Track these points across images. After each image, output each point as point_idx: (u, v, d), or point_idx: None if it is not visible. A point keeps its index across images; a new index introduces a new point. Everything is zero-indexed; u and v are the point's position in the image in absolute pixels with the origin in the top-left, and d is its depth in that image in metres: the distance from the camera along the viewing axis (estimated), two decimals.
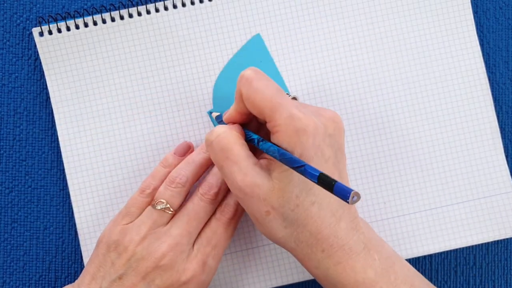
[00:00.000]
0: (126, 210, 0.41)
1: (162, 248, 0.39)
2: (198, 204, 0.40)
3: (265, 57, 0.44)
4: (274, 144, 0.36)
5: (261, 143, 0.37)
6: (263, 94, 0.35)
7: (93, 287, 0.39)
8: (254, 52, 0.44)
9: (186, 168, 0.41)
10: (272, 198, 0.36)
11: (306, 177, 0.32)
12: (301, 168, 0.33)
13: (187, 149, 0.43)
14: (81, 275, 0.40)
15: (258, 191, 0.36)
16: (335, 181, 0.30)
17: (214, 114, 0.43)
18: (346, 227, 0.37)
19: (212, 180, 0.40)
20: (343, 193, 0.30)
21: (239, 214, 0.41)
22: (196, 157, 0.41)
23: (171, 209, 0.39)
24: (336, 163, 0.37)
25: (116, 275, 0.38)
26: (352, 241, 0.37)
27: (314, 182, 0.32)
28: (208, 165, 0.41)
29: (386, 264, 0.38)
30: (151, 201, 0.40)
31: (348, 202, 0.29)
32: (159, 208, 0.39)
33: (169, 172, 0.41)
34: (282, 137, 0.35)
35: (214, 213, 0.41)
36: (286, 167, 0.35)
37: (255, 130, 0.40)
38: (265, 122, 0.37)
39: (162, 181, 0.41)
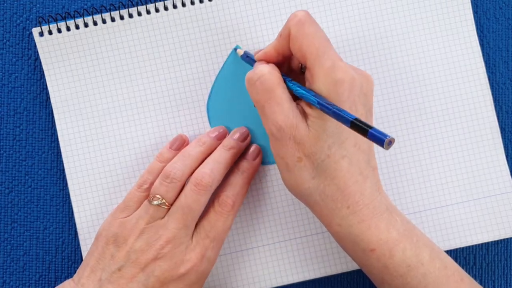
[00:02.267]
0: (124, 204, 0.41)
1: (160, 240, 0.39)
2: (191, 197, 0.39)
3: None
4: (308, 88, 0.36)
5: (293, 85, 0.37)
6: (312, 40, 0.36)
7: (93, 279, 0.39)
8: (238, 66, 0.44)
9: (181, 162, 0.40)
10: (306, 144, 0.36)
11: (340, 120, 0.33)
12: (335, 111, 0.33)
13: (182, 143, 0.43)
14: (80, 268, 0.40)
15: (296, 133, 0.36)
16: (371, 126, 0.31)
17: (240, 51, 0.43)
18: (371, 186, 0.37)
19: (205, 169, 0.40)
20: (379, 138, 0.30)
21: (238, 205, 0.41)
22: (192, 151, 0.41)
23: (167, 204, 0.40)
24: (366, 121, 0.37)
25: (115, 267, 0.39)
26: (376, 201, 0.37)
27: (348, 125, 0.32)
28: (203, 158, 0.41)
29: (408, 226, 0.38)
30: (148, 196, 0.40)
31: (383, 147, 0.30)
32: (155, 203, 0.39)
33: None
34: (321, 83, 0.35)
35: (212, 203, 0.41)
36: (320, 115, 0.36)
37: (288, 75, 0.40)
38: (300, 69, 0.38)
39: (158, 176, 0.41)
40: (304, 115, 0.37)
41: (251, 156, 0.43)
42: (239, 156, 0.43)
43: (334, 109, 0.33)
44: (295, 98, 0.38)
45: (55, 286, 0.45)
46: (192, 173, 0.41)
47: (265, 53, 0.39)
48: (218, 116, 0.44)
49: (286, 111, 0.36)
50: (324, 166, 0.36)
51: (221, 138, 0.43)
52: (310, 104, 0.36)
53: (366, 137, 0.31)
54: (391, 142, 0.30)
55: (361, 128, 0.31)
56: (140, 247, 0.39)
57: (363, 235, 0.37)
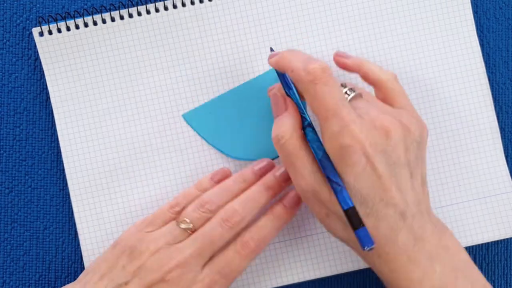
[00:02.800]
0: (153, 219, 0.41)
1: (171, 263, 0.38)
2: (216, 230, 0.39)
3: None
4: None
5: (309, 132, 0.37)
6: (322, 101, 0.35)
7: (99, 287, 0.39)
8: (270, 82, 0.44)
9: (219, 196, 0.40)
10: (330, 204, 0.36)
11: (337, 199, 0.33)
12: (336, 187, 0.34)
13: (225, 177, 0.42)
14: (89, 271, 0.40)
15: (318, 195, 0.37)
16: (361, 225, 0.31)
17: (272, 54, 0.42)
18: (406, 237, 0.35)
19: (237, 206, 0.39)
20: (363, 240, 0.31)
21: (260, 250, 0.40)
22: (233, 186, 0.41)
23: (192, 229, 0.39)
24: (395, 174, 0.36)
25: (123, 280, 0.38)
26: (412, 251, 0.35)
27: (343, 210, 0.32)
28: (240, 194, 0.41)
29: (448, 277, 0.36)
30: (176, 217, 0.40)
31: (363, 249, 0.30)
32: (183, 226, 0.39)
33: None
34: (327, 148, 0.36)
35: (234, 239, 0.40)
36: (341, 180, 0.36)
37: None
38: None
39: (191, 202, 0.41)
40: None
41: (288, 203, 0.41)
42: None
43: (334, 184, 0.34)
44: None
45: (55, 286, 0.45)
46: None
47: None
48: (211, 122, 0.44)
49: (307, 177, 0.37)
50: None
51: (264, 174, 0.41)
52: None
53: (353, 231, 0.31)
54: (371, 249, 0.31)
55: (354, 220, 0.32)
56: (151, 265, 0.38)
57: (394, 283, 0.36)
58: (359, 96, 0.39)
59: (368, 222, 0.35)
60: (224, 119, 0.44)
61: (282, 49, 0.44)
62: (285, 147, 0.37)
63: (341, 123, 0.35)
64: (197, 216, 0.39)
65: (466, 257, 0.37)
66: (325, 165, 0.35)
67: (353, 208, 0.31)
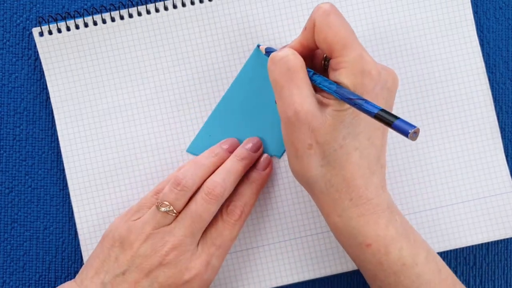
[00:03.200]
0: (137, 207, 0.41)
1: (166, 246, 0.39)
2: (202, 205, 0.39)
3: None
4: (330, 80, 0.36)
5: (316, 76, 0.37)
6: (337, 29, 0.35)
7: (96, 282, 0.39)
8: (258, 66, 0.44)
9: (193, 171, 0.40)
10: (321, 132, 0.36)
11: (364, 111, 0.32)
12: (359, 102, 0.33)
13: None
14: (83, 269, 0.40)
15: (311, 120, 0.36)
16: (397, 117, 0.30)
17: (263, 48, 0.43)
18: (377, 183, 0.37)
19: (217, 178, 0.40)
20: (404, 128, 0.29)
21: (246, 215, 0.41)
22: (205, 160, 0.41)
23: (175, 211, 0.39)
24: None
25: (119, 270, 0.39)
26: (379, 198, 0.37)
27: (372, 116, 0.32)
28: (215, 169, 0.41)
29: (406, 227, 0.38)
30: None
31: (408, 137, 0.29)
32: (163, 210, 0.39)
33: None
34: (346, 74, 0.35)
35: (220, 212, 0.41)
36: (340, 106, 0.35)
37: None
38: (323, 66, 0.38)
39: None
40: (323, 105, 0.36)
41: (261, 167, 0.43)
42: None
43: (358, 100, 0.33)
44: (316, 89, 0.38)
45: (55, 286, 0.45)
46: (202, 182, 0.41)
47: (291, 46, 0.38)
48: (223, 122, 0.44)
49: (305, 95, 0.36)
50: (335, 156, 0.36)
51: (232, 149, 0.43)
52: (330, 95, 0.36)
53: (391, 127, 0.30)
54: (416, 133, 0.29)
55: (386, 119, 0.31)
56: (145, 252, 0.39)
57: (361, 229, 0.37)
58: None
59: (355, 155, 0.36)
60: (224, 134, 0.44)
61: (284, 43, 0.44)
62: (285, 61, 0.36)
63: (360, 50, 0.35)
64: (175, 197, 0.39)
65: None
66: (343, 91, 0.35)
67: (383, 109, 0.31)
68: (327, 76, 0.37)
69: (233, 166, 0.41)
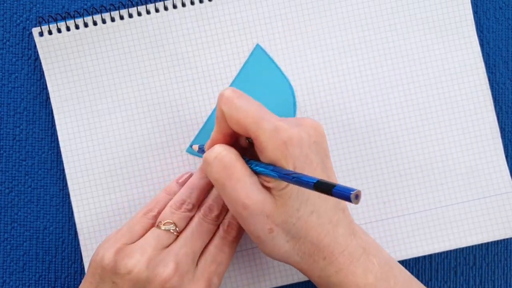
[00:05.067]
0: (129, 228, 0.40)
1: (168, 269, 0.37)
2: (201, 225, 0.40)
3: (269, 67, 0.44)
4: (264, 163, 0.36)
5: (251, 162, 0.37)
6: (245, 111, 0.35)
7: None
8: (257, 65, 0.44)
9: (190, 195, 0.40)
10: (276, 215, 0.36)
11: (303, 186, 0.32)
12: (296, 179, 0.32)
13: (189, 179, 0.43)
14: None
15: (263, 208, 0.35)
16: (335, 184, 0.30)
17: (195, 147, 0.43)
18: (344, 232, 0.37)
19: (212, 202, 0.40)
20: (345, 194, 0.29)
21: (242, 233, 0.41)
22: (198, 183, 0.41)
23: (178, 230, 0.39)
24: (324, 169, 0.37)
25: None
26: (351, 246, 0.37)
27: (311, 189, 0.31)
28: (209, 189, 0.41)
29: (385, 268, 0.38)
30: (154, 224, 0.40)
31: (351, 202, 0.29)
32: (165, 228, 0.39)
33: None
34: (271, 151, 0.35)
35: (217, 229, 0.41)
36: (282, 184, 0.35)
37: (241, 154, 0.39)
38: (250, 143, 0.38)
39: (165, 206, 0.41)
40: (268, 188, 0.36)
41: None
42: None
43: (294, 177, 0.33)
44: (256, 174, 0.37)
45: (55, 286, 0.45)
46: (200, 204, 0.41)
47: (212, 139, 0.38)
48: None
49: (248, 187, 0.35)
50: (296, 229, 0.36)
51: None
52: (269, 177, 0.35)
53: (331, 195, 0.30)
54: (358, 195, 0.29)
55: (324, 189, 0.30)
56: (147, 277, 0.37)
57: (341, 284, 0.37)
58: None
59: (313, 218, 0.36)
60: None
61: (282, 48, 0.44)
62: (220, 159, 0.36)
63: (273, 122, 0.35)
64: (178, 217, 0.39)
65: (386, 252, 0.40)
66: (278, 169, 0.34)
67: (319, 180, 0.31)
68: (257, 154, 0.37)
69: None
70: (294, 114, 0.44)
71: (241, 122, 0.35)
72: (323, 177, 0.36)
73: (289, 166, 0.34)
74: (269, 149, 0.35)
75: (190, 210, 0.40)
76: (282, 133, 0.35)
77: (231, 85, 0.44)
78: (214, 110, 0.44)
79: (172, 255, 0.38)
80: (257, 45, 0.44)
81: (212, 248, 0.40)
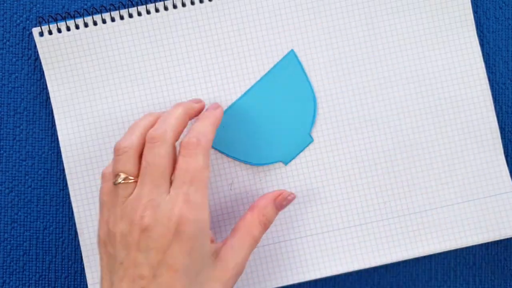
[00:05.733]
0: (100, 202, 0.39)
1: (137, 212, 0.36)
2: (150, 153, 0.37)
3: (298, 74, 0.44)
4: None
5: None
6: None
7: (106, 285, 0.37)
8: (287, 70, 0.44)
9: (129, 133, 0.38)
10: None
11: None
12: None
13: None
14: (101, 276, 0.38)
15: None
16: None
17: None
18: None
19: (156, 126, 0.38)
20: None
21: (205, 143, 0.38)
22: (141, 121, 0.39)
23: (131, 177, 0.37)
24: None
25: (118, 262, 0.36)
26: None
27: None
28: (149, 128, 0.39)
29: None
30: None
31: None
32: (119, 181, 0.37)
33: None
34: None
35: (178, 153, 0.38)
36: None
37: None
38: None
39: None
40: None
41: (211, 107, 0.41)
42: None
43: None
44: None
45: (55, 286, 0.45)
46: (142, 140, 0.38)
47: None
48: (238, 119, 0.44)
49: None
50: None
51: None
52: None
53: None
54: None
55: None
56: (124, 230, 0.36)
57: None
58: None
59: None
60: (230, 134, 0.44)
61: (282, 48, 0.44)
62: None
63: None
64: (121, 163, 0.37)
65: None
66: None
67: None
68: None
69: (169, 112, 0.39)
70: (311, 125, 0.44)
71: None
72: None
73: None
74: None
75: (129, 148, 0.37)
76: None
77: (257, 84, 0.44)
78: (232, 106, 0.44)
79: (137, 199, 0.36)
80: (292, 50, 0.44)
81: (176, 172, 0.37)
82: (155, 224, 0.35)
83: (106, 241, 0.37)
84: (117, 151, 0.37)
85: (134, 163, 0.37)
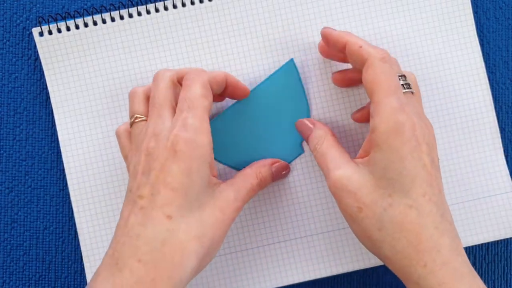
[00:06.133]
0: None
1: (144, 142, 0.36)
2: (154, 89, 0.38)
3: (295, 84, 0.44)
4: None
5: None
6: (388, 78, 0.36)
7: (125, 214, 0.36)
8: (285, 79, 0.43)
9: (137, 87, 0.40)
10: (363, 192, 0.35)
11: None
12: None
13: None
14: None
15: (347, 184, 0.36)
16: None
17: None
18: (450, 244, 0.34)
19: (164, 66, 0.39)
20: None
21: (203, 75, 0.38)
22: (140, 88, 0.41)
23: (141, 116, 0.38)
24: (434, 174, 0.35)
25: (128, 193, 0.37)
26: (457, 262, 0.34)
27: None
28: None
29: None
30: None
31: None
32: (131, 121, 0.39)
33: None
34: (382, 121, 0.35)
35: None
36: (380, 161, 0.35)
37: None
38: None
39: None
40: (364, 163, 0.37)
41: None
42: None
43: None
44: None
45: (55, 286, 0.45)
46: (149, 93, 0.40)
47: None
48: (233, 122, 0.44)
49: (336, 164, 0.37)
50: (388, 217, 0.34)
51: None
52: (363, 152, 0.37)
53: None
54: None
55: None
56: (135, 162, 0.37)
57: None
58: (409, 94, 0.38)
59: (411, 214, 0.34)
60: (231, 136, 0.43)
61: (282, 48, 0.44)
62: (318, 150, 0.39)
63: (400, 101, 0.35)
64: (131, 105, 0.39)
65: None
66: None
67: None
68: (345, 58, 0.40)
69: (165, 69, 0.40)
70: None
71: (376, 84, 0.36)
72: (432, 182, 0.35)
73: (392, 152, 0.35)
74: (381, 120, 0.35)
75: (140, 91, 0.39)
76: (401, 115, 0.35)
77: (254, 90, 0.43)
78: (231, 107, 0.44)
79: (145, 132, 0.37)
80: (291, 59, 0.44)
81: (176, 102, 0.38)
82: (156, 147, 0.36)
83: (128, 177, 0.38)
84: (130, 96, 0.40)
85: (142, 104, 0.39)
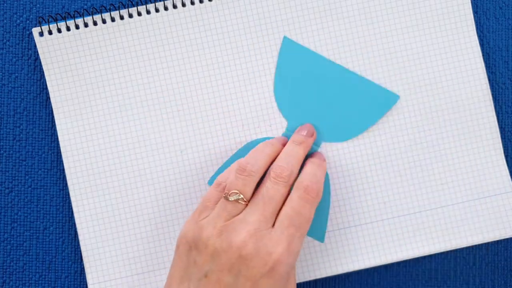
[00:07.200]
0: (202, 205, 0.39)
1: (240, 236, 0.36)
2: (272, 188, 0.38)
3: (305, 54, 0.44)
4: None
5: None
6: None
7: None
8: (291, 55, 0.44)
9: (256, 157, 0.40)
10: None
11: None
12: None
13: None
14: (167, 281, 0.39)
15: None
16: None
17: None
18: None
19: (281, 162, 0.39)
20: None
21: (320, 194, 0.40)
22: (265, 148, 0.41)
23: (245, 199, 0.38)
24: None
25: (201, 273, 0.37)
26: None
27: None
28: (275, 157, 0.41)
29: None
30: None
31: None
32: (232, 199, 0.38)
33: None
34: None
35: (295, 191, 0.39)
36: None
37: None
38: None
39: None
40: None
41: (318, 157, 0.42)
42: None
43: None
44: None
45: (55, 286, 0.45)
46: (266, 169, 0.40)
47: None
48: (290, 109, 0.44)
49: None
50: None
51: (284, 142, 0.42)
52: None
53: None
54: None
55: None
56: (221, 247, 0.36)
57: None
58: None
59: None
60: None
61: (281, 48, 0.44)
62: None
63: None
64: (242, 182, 0.38)
65: None
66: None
67: None
68: None
69: (293, 150, 0.41)
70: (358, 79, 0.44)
71: None
72: None
73: None
74: None
75: (255, 173, 0.39)
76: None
77: (274, 81, 0.44)
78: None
79: (243, 224, 0.37)
80: (284, 36, 0.44)
81: (288, 209, 0.38)
82: (255, 255, 0.36)
83: (192, 245, 0.38)
84: (243, 171, 0.39)
85: (252, 187, 0.39)
